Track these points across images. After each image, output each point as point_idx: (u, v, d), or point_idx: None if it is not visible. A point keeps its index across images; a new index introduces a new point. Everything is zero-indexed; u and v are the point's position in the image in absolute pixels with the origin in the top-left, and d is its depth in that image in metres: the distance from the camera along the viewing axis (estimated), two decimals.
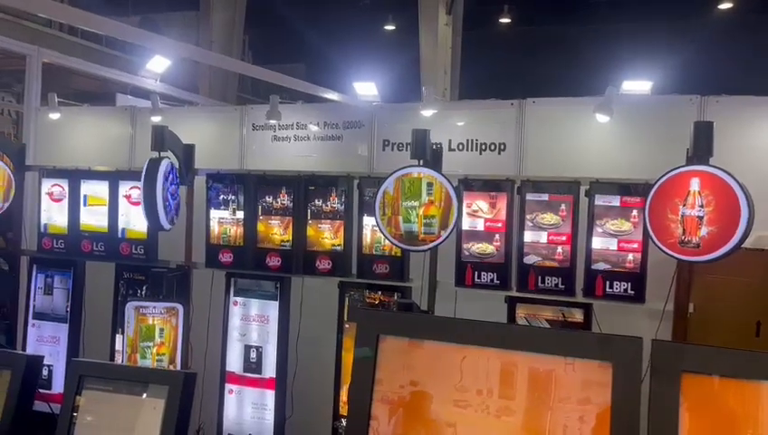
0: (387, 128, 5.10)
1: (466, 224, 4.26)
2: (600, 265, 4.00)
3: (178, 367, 4.53)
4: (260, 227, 4.79)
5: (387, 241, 4.24)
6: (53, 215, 5.47)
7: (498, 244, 4.20)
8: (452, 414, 1.66)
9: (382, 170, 4.82)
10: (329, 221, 4.61)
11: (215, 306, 5.00)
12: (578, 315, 4.13)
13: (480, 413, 1.58)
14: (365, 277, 4.58)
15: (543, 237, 4.12)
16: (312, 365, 4.88)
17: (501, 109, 4.75)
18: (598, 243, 4.00)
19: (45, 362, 5.28)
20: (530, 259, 4.14)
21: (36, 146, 6.05)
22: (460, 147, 4.83)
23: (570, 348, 1.58)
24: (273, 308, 4.83)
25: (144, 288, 5.21)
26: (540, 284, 4.13)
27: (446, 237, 4.02)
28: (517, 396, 1.58)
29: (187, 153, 4.92)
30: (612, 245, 3.98)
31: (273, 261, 4.79)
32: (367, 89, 7.91)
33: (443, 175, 3.97)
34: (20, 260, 5.75)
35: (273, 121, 5.31)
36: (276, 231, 4.74)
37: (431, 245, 4.06)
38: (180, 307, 4.70)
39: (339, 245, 4.60)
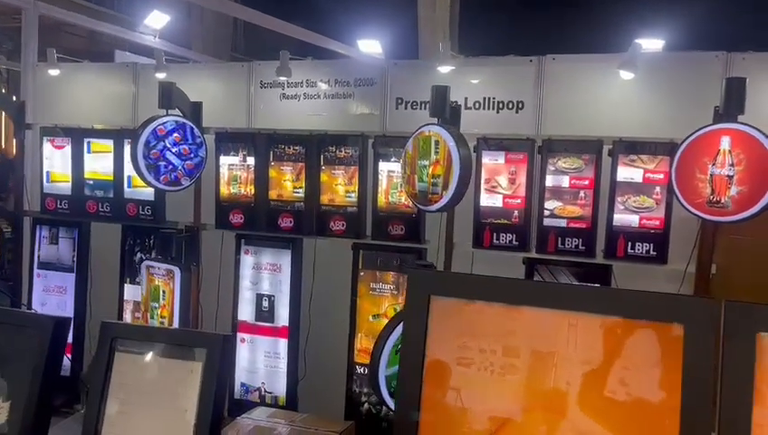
0: (400, 86, 4.95)
1: (485, 175, 4.16)
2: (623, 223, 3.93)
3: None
4: (272, 173, 4.67)
5: (403, 194, 4.17)
6: (56, 170, 5.35)
7: (519, 176, 4.09)
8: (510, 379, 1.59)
9: (395, 130, 4.71)
10: (343, 167, 4.51)
11: (225, 267, 4.94)
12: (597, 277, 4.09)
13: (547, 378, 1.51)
14: (380, 238, 4.51)
15: (566, 182, 4.02)
16: (325, 326, 4.85)
17: (519, 66, 4.61)
18: (620, 206, 3.93)
19: (51, 311, 5.29)
20: (549, 220, 4.06)
21: (35, 104, 5.86)
22: (476, 105, 4.70)
23: (638, 309, 1.51)
24: (285, 257, 4.77)
25: (152, 250, 5.15)
26: (560, 245, 4.06)
27: (450, 199, 3.84)
28: (580, 358, 1.51)
29: (195, 111, 4.78)
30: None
31: (286, 222, 4.70)
32: (371, 47, 7.72)
33: (447, 131, 3.79)
34: (23, 221, 5.64)
35: (282, 79, 5.15)
36: (288, 177, 4.62)
37: (437, 205, 3.91)
38: (177, 270, 4.56)
39: (353, 191, 4.49)
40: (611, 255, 3.98)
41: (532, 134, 4.28)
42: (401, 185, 4.30)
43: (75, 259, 5.39)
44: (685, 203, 3.51)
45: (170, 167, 4.57)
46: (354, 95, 5.11)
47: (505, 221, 4.15)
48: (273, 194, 4.69)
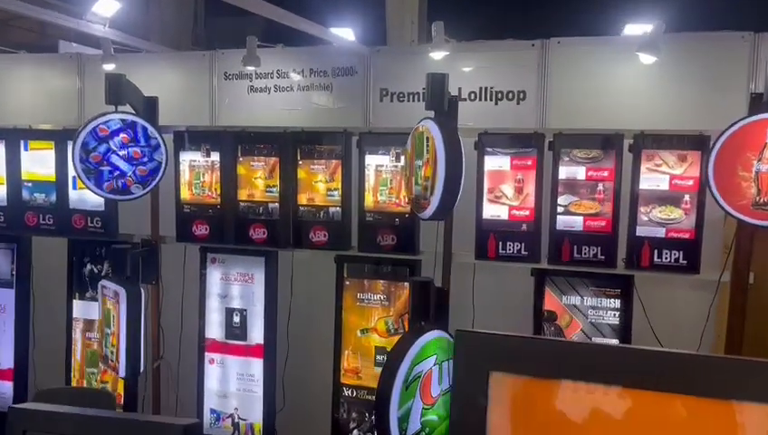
0: (385, 75, 4.39)
1: (488, 183, 3.64)
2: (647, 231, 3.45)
3: (122, 361, 3.81)
4: (240, 170, 4.06)
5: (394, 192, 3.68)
6: None
7: (527, 186, 3.58)
8: None
9: (380, 125, 4.15)
10: (323, 162, 3.92)
11: (189, 283, 4.33)
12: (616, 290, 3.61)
13: None
14: (367, 250, 3.94)
15: (582, 175, 3.52)
16: (306, 344, 4.29)
17: (520, 51, 4.09)
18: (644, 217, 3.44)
19: None
20: (564, 220, 3.55)
21: None
22: (472, 96, 4.17)
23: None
24: (258, 266, 4.19)
25: (104, 261, 4.50)
26: (575, 254, 3.56)
27: (438, 205, 3.15)
28: None
29: (149, 107, 4.13)
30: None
31: (258, 233, 4.10)
32: (344, 35, 7.11)
33: (437, 124, 3.15)
34: None
35: (249, 69, 4.53)
36: (260, 175, 4.02)
37: (426, 212, 3.23)
38: (122, 291, 3.82)
39: (336, 189, 3.90)
40: (634, 264, 3.49)
41: (535, 128, 3.76)
42: (390, 181, 3.75)
43: (15, 272, 4.70)
44: (725, 206, 3.04)
45: (117, 172, 3.91)
46: (332, 86, 4.52)
47: (512, 230, 3.62)
48: (242, 194, 4.08)
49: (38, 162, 4.50)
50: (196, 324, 4.33)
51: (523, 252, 3.63)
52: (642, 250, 3.46)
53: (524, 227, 3.60)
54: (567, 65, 3.98)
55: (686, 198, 3.36)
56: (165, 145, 3.95)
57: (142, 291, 3.87)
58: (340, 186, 3.91)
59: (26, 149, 4.54)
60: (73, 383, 4.62)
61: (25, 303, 4.75)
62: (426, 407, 2.95)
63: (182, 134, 4.16)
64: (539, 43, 4.03)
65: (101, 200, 4.30)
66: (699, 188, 3.30)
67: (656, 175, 3.39)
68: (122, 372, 3.85)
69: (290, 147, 3.99)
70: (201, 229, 4.16)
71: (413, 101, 4.32)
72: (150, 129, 3.96)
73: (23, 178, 4.51)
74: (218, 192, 4.09)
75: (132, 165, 3.94)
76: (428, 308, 3.20)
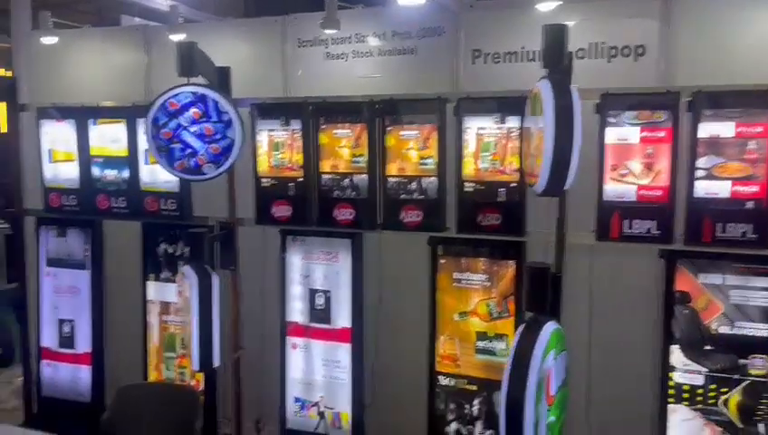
0: (477, 34, 3.91)
1: (613, 135, 3.14)
2: None
3: (194, 355, 3.51)
4: (323, 139, 3.71)
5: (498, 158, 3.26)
6: (60, 158, 4.43)
7: (659, 161, 3.07)
8: None
9: (472, 90, 3.68)
10: (416, 126, 3.51)
11: (269, 266, 4.05)
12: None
13: None
14: (466, 231, 3.52)
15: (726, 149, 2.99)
16: (396, 329, 3.97)
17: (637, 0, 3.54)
18: None
19: (65, 316, 4.60)
20: (705, 186, 3.01)
21: (30, 80, 4.92)
22: (580, 54, 3.65)
23: None
24: (343, 245, 3.87)
25: (179, 240, 4.27)
26: (718, 233, 3.04)
27: (548, 179, 2.67)
28: None
29: (222, 78, 3.79)
30: None
31: (344, 214, 3.73)
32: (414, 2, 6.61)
33: (550, 84, 2.66)
34: (23, 221, 4.74)
35: (326, 34, 4.13)
36: (345, 143, 3.65)
37: (536, 187, 2.77)
38: (194, 278, 3.47)
39: (431, 157, 3.50)
40: None
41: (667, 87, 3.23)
42: (495, 145, 3.33)
43: (89, 252, 4.53)
44: None
45: (189, 151, 3.57)
46: (417, 49, 4.07)
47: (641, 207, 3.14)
48: (325, 166, 3.73)
49: (108, 138, 4.27)
50: (278, 311, 4.04)
51: (654, 231, 3.14)
52: None
53: (658, 171, 3.10)
54: (695, 14, 3.42)
55: None
56: (240, 120, 3.59)
57: (215, 278, 3.56)
58: (435, 153, 3.49)
59: (95, 125, 4.31)
60: (150, 369, 4.44)
61: (99, 285, 4.59)
62: (548, 408, 2.56)
63: (258, 107, 3.81)
64: None
65: (175, 181, 4.04)
66: None
67: None
68: (195, 366, 3.59)
69: (376, 118, 3.59)
70: (282, 211, 3.83)
71: (511, 61, 3.84)
72: (222, 102, 3.58)
73: (92, 153, 4.29)
74: (300, 164, 3.73)
75: (205, 142, 3.60)
76: (545, 298, 2.81)
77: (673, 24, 3.48)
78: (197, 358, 3.52)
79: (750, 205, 2.96)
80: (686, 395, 3.20)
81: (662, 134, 3.07)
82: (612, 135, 3.14)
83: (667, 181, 3.08)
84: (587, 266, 3.50)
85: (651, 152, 3.10)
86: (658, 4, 3.50)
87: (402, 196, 3.59)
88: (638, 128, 3.09)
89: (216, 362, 3.59)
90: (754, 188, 2.96)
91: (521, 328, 2.62)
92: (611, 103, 3.12)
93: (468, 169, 3.44)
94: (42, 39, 4.94)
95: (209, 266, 3.60)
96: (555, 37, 2.86)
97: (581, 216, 3.25)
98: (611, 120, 3.13)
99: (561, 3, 3.53)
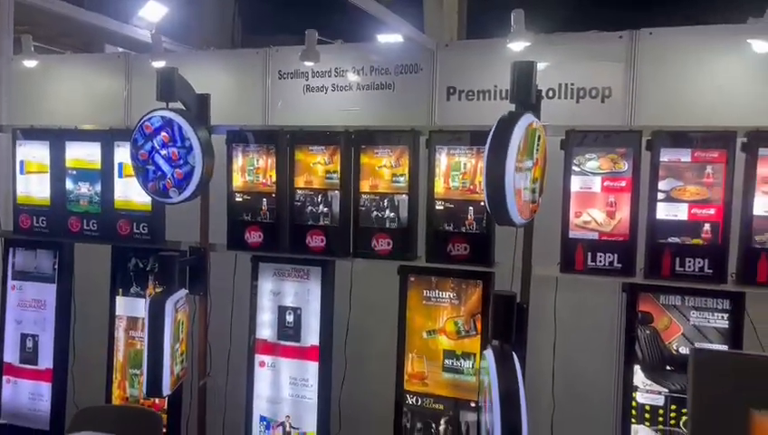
0: (451, 72, 4.05)
1: (577, 184, 3.25)
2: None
3: (144, 380, 3.50)
4: (298, 155, 3.75)
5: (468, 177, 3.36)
6: (31, 186, 4.42)
7: (620, 210, 3.20)
8: None
9: (446, 126, 3.79)
10: (389, 148, 3.58)
11: (239, 292, 4.03)
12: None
13: None
14: (436, 260, 3.58)
15: (683, 209, 3.13)
16: (364, 349, 3.99)
17: (606, 43, 3.72)
18: (761, 208, 3.02)
19: (29, 331, 4.48)
20: (666, 209, 3.14)
21: (10, 103, 4.94)
22: (551, 93, 3.80)
23: None
24: (315, 270, 3.88)
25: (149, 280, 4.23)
26: (677, 267, 3.14)
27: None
28: None
29: (200, 104, 3.86)
30: None
31: (315, 240, 3.77)
32: (393, 40, 6.81)
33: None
34: None
35: (306, 66, 4.25)
36: (320, 159, 3.70)
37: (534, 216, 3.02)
38: (148, 301, 3.62)
39: (402, 174, 3.56)
40: (747, 279, 3.06)
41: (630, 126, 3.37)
42: (465, 166, 3.42)
43: (57, 266, 4.48)
44: None
45: (159, 173, 3.61)
46: (395, 85, 4.20)
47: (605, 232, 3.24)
48: (299, 181, 3.77)
49: (83, 153, 4.26)
50: (245, 334, 4.00)
51: (616, 264, 3.22)
52: (759, 262, 3.03)
53: (618, 207, 3.22)
54: (660, 59, 3.59)
55: None
56: (202, 147, 3.58)
57: (169, 304, 3.52)
58: (407, 173, 3.55)
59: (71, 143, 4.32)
60: (114, 385, 4.34)
61: (67, 298, 4.50)
62: None
63: (235, 133, 3.88)
64: (627, 35, 3.65)
65: (148, 204, 4.05)
66: None
67: None
68: (144, 391, 3.55)
69: (351, 146, 3.67)
70: (254, 237, 3.85)
71: (484, 99, 3.98)
72: (186, 127, 3.56)
73: (67, 165, 4.27)
74: (273, 180, 3.77)
75: (172, 166, 3.63)
76: (511, 326, 2.85)
77: (638, 67, 3.65)
78: (145, 386, 3.49)
79: (707, 246, 3.07)
80: (647, 416, 3.24)
81: (622, 183, 3.19)
82: (576, 183, 3.26)
83: (628, 226, 3.18)
84: (551, 297, 3.55)
85: (613, 201, 3.21)
86: (624, 47, 3.68)
87: (375, 222, 3.64)
88: (600, 177, 3.21)
89: (166, 391, 3.52)
90: (701, 241, 3.09)
91: (492, 358, 2.63)
92: (574, 140, 3.23)
93: (439, 187, 3.50)
94: (23, 62, 4.98)
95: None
96: (524, 73, 2.97)
97: (546, 248, 3.33)
98: (575, 168, 3.24)
99: (529, 44, 3.67)
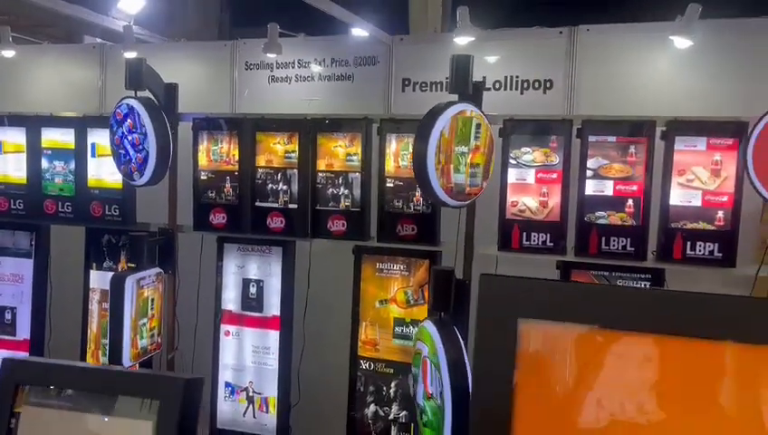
0: (407, 65, 4.30)
1: (513, 175, 3.52)
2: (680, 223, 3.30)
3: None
4: (259, 136, 3.97)
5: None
6: (9, 165, 4.63)
7: (552, 198, 3.48)
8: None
9: (402, 115, 4.05)
10: (344, 133, 3.83)
11: (205, 272, 4.26)
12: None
13: None
14: (386, 240, 3.84)
15: (609, 188, 3.40)
16: (322, 319, 4.19)
17: (547, 39, 3.98)
18: (677, 197, 3.30)
19: (8, 304, 4.67)
20: (592, 217, 3.43)
21: None
22: (497, 85, 4.07)
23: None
24: (276, 250, 4.11)
25: (121, 255, 4.44)
26: (603, 246, 3.42)
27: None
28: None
29: (168, 93, 4.08)
30: (696, 199, 3.28)
31: (276, 222, 4.02)
32: (357, 34, 7.02)
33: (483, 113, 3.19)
34: None
35: (270, 57, 4.48)
36: (279, 140, 3.93)
37: (472, 199, 3.31)
38: (110, 278, 3.75)
39: (356, 154, 3.81)
40: (665, 257, 3.35)
41: (563, 115, 3.64)
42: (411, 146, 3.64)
43: (34, 242, 4.68)
44: (766, 194, 2.88)
45: (127, 157, 3.86)
46: (354, 76, 4.45)
47: (538, 219, 3.51)
48: (260, 160, 4.00)
49: (59, 136, 4.46)
50: (212, 310, 4.24)
51: (548, 243, 3.50)
52: (675, 242, 3.31)
53: (551, 192, 3.50)
54: (596, 53, 3.86)
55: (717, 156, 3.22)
56: (155, 134, 3.78)
57: (129, 281, 3.74)
58: (360, 154, 3.80)
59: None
60: (88, 355, 4.56)
61: (44, 273, 4.69)
62: (425, 396, 2.83)
63: (201, 120, 4.11)
64: (566, 31, 3.91)
65: (119, 182, 4.28)
66: (739, 169, 3.13)
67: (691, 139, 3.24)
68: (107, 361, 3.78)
69: (310, 133, 3.91)
70: (218, 218, 4.09)
71: (436, 90, 4.23)
72: (143, 114, 3.78)
73: (43, 146, 4.46)
74: (236, 158, 3.99)
75: (135, 151, 3.88)
76: (449, 299, 3.11)
77: (576, 60, 3.91)
78: (108, 356, 3.71)
79: (629, 226, 3.35)
80: None
81: (553, 175, 3.46)
82: (512, 175, 3.52)
83: (559, 212, 3.45)
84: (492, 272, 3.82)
85: (546, 191, 3.48)
86: (564, 42, 3.94)
87: (331, 199, 3.88)
88: (534, 170, 3.47)
89: (127, 362, 3.74)
90: (624, 222, 3.37)
91: (432, 327, 2.86)
92: (512, 129, 3.49)
93: (389, 166, 3.75)
94: (1, 52, 5.18)
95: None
96: (462, 66, 3.25)
97: (489, 227, 3.60)
98: (512, 160, 3.50)
99: (473, 39, 3.92)
